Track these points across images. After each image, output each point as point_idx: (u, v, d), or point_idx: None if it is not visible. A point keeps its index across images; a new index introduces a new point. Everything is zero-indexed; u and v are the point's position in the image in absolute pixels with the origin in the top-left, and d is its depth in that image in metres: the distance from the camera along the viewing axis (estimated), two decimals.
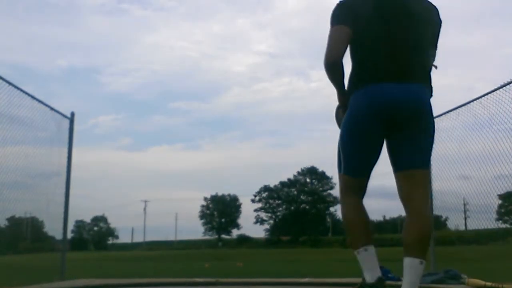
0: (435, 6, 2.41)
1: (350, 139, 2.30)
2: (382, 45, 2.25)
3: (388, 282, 4.91)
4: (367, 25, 2.27)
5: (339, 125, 2.44)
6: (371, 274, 2.21)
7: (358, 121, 2.25)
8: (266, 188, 65.39)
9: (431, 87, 2.33)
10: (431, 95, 2.33)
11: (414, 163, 2.24)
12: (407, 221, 2.23)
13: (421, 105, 2.23)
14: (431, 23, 2.37)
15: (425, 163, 2.28)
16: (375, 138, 2.28)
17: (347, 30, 2.26)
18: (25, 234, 7.03)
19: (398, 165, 2.29)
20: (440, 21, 2.41)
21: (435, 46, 2.41)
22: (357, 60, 2.31)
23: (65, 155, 5.94)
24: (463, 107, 5.45)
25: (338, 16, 2.30)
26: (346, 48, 2.29)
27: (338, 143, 2.38)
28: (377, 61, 2.24)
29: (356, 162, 2.32)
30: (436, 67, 2.41)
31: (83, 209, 75.39)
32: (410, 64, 2.25)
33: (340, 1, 2.36)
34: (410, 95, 2.21)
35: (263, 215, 65.77)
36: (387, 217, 74.94)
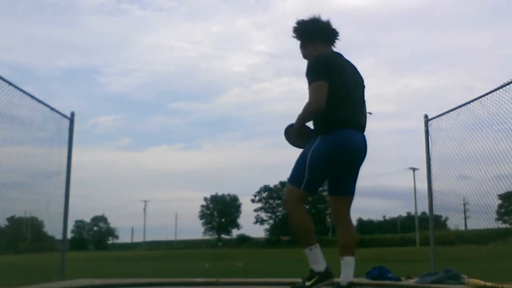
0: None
1: (323, 167, 2.88)
2: (345, 99, 2.90)
3: (388, 282, 4.92)
4: (336, 81, 2.87)
5: (288, 140, 3.09)
6: (320, 265, 2.86)
7: (333, 155, 2.86)
8: (266, 188, 65.28)
9: None
10: None
11: (348, 192, 3.03)
12: (341, 231, 2.99)
13: (366, 150, 3.01)
14: (363, 82, 3.13)
15: (354, 191, 3.06)
16: (331, 170, 2.92)
17: (327, 85, 2.85)
18: (25, 234, 7.03)
19: (336, 191, 3.03)
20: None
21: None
22: (328, 108, 2.85)
23: (65, 155, 5.95)
24: (463, 107, 5.45)
25: (319, 72, 2.87)
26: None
27: (309, 165, 2.88)
28: (344, 112, 2.89)
29: (318, 185, 2.95)
30: (371, 113, 3.10)
31: (83, 209, 75.36)
32: (362, 117, 3.03)
33: (318, 57, 2.95)
34: (364, 142, 2.99)
35: (263, 215, 65.70)
36: (387, 217, 75.04)
